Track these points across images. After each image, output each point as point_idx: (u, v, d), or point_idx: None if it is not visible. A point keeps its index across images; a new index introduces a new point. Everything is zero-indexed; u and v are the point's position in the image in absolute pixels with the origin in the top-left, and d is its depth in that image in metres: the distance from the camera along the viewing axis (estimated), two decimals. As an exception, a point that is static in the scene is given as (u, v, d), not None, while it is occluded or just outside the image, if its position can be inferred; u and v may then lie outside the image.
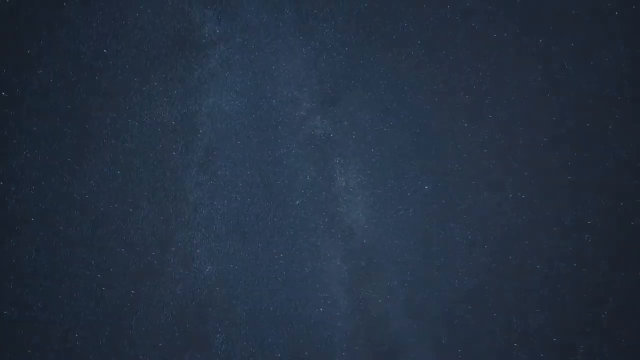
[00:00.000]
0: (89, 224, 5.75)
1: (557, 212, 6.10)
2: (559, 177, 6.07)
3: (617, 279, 6.06)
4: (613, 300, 6.05)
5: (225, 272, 6.06)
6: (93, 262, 5.75)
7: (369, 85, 6.12)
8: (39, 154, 5.60)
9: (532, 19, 6.03)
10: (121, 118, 5.80)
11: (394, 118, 6.14)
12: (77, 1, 5.61)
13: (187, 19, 5.95)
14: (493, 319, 6.20)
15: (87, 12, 5.64)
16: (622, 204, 6.05)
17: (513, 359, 6.13)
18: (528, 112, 6.08)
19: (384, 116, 6.16)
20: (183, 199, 6.01)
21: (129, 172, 5.85)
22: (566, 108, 6.04)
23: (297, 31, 6.09)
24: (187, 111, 5.97)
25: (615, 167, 6.04)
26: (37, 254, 5.64)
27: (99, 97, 5.76)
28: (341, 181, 6.26)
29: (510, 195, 6.14)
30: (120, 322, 5.77)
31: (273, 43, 6.06)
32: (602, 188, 6.06)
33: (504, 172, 6.13)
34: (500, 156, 6.12)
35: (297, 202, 6.19)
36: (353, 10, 6.04)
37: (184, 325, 5.92)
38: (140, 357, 5.79)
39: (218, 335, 5.99)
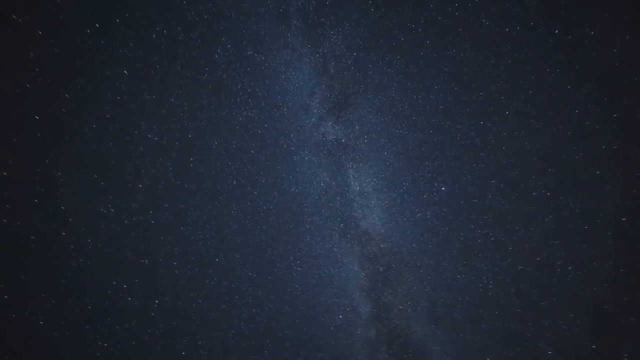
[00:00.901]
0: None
1: (586, 209, 5.71)
2: (586, 172, 5.70)
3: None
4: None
5: (244, 279, 6.14)
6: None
7: (379, 89, 6.07)
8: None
9: (544, 11, 5.78)
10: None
11: (405, 120, 6.04)
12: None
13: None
14: (523, 324, 5.87)
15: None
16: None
17: (546, 367, 5.78)
18: (547, 106, 5.78)
19: (395, 118, 6.07)
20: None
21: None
22: (588, 101, 5.69)
23: (305, 40, 6.16)
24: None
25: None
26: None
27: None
28: (355, 185, 6.21)
29: (534, 193, 5.83)
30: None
31: (282, 52, 6.17)
32: (633, 183, 5.62)
33: (524, 169, 5.84)
34: (520, 153, 5.85)
35: (312, 209, 6.20)
36: (359, 16, 6.04)
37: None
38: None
39: (238, 343, 6.06)
